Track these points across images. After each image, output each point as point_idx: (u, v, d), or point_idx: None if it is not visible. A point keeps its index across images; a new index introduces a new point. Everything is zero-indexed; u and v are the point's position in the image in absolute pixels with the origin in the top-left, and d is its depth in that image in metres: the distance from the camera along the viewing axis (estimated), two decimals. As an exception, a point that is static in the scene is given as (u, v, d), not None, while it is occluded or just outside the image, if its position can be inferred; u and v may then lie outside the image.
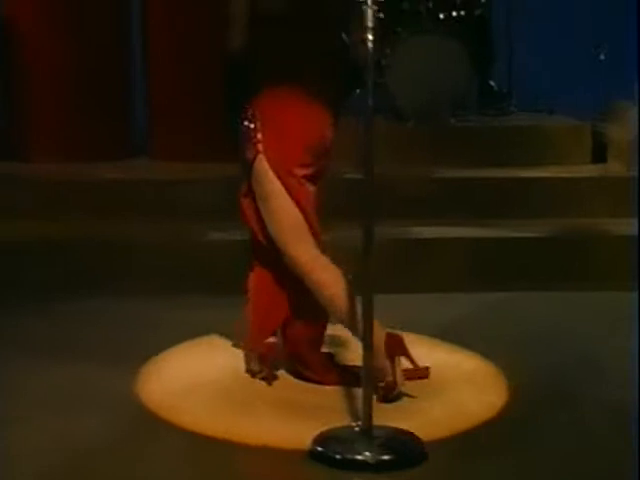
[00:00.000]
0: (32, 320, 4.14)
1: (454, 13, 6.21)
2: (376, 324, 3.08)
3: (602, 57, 6.29)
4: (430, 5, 6.11)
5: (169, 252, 4.74)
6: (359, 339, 3.20)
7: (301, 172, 3.31)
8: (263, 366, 3.59)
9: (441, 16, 6.17)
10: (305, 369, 3.53)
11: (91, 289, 4.38)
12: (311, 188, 3.38)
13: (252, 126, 3.32)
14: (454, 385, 3.51)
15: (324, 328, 3.56)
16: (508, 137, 5.90)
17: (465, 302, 4.50)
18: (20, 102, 5.68)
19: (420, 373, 3.50)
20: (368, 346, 2.92)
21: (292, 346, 3.55)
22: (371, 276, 2.88)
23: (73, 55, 5.55)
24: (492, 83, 6.46)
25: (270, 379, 3.55)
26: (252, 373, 3.61)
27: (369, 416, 2.89)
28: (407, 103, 5.91)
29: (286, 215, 3.33)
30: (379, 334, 3.23)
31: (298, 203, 3.29)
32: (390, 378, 3.29)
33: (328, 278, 3.36)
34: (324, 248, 3.36)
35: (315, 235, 3.34)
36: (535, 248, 5.00)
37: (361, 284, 2.92)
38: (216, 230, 4.81)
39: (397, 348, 3.32)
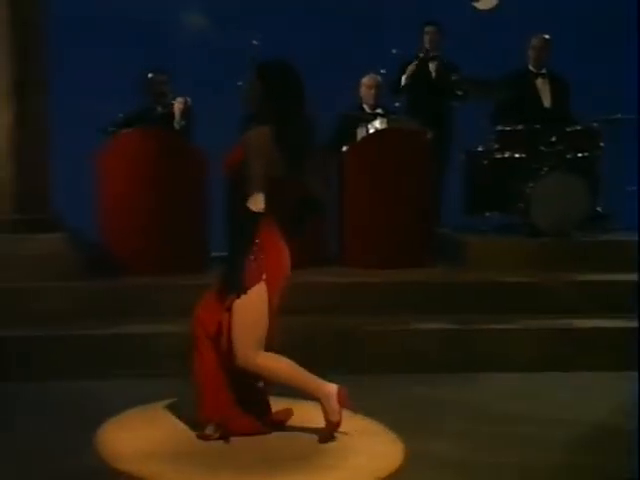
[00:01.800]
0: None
1: (579, 154, 7.35)
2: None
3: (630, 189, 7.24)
4: (561, 148, 7.27)
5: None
6: (311, 395, 4.13)
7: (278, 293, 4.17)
8: (217, 430, 4.21)
9: (568, 156, 7.31)
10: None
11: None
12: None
13: (254, 259, 4.04)
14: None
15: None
16: (616, 249, 6.85)
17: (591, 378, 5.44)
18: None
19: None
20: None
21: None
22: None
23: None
24: (599, 208, 7.49)
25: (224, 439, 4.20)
26: (206, 437, 4.20)
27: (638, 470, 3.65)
28: (543, 223, 7.00)
29: (257, 329, 4.09)
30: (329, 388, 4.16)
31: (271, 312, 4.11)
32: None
33: (274, 365, 4.14)
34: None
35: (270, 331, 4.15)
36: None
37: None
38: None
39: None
